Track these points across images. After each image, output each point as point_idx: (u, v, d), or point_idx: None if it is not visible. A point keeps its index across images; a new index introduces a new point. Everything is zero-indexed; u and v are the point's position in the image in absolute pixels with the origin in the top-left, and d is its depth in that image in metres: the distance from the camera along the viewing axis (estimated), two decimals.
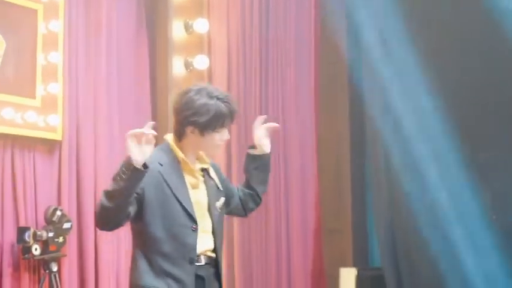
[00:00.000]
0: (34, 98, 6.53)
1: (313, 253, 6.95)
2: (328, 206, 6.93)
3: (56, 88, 6.64)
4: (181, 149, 3.86)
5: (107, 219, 3.65)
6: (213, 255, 3.88)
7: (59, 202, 6.56)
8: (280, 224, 7.03)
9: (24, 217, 6.32)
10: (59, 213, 6.39)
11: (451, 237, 6.02)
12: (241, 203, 4.23)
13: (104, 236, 6.73)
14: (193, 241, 3.77)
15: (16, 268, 6.28)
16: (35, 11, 6.60)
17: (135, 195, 3.65)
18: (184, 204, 3.77)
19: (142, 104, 7.40)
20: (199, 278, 3.80)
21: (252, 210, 4.30)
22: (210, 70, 7.56)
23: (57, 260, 6.37)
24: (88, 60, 6.96)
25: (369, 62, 6.53)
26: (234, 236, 7.19)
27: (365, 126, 6.79)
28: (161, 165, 3.77)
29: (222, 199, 3.97)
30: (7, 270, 6.22)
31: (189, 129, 3.83)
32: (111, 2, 7.17)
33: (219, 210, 3.94)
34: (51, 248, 6.35)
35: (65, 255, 6.46)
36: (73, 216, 6.58)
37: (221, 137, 3.87)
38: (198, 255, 3.80)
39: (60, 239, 6.37)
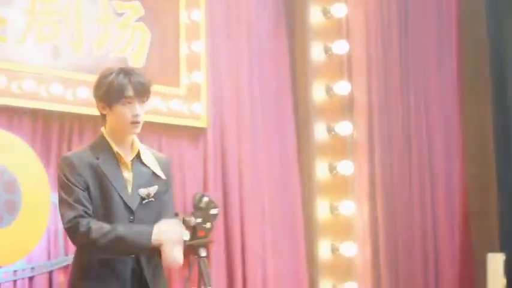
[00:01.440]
0: (178, 86, 6.63)
1: (460, 238, 6.83)
2: (474, 190, 6.81)
3: (200, 77, 6.74)
4: (113, 139, 3.81)
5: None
6: None
7: (205, 188, 6.65)
8: (426, 209, 6.94)
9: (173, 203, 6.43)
10: (206, 199, 6.48)
11: None
12: None
13: (251, 221, 6.82)
14: None
15: None
16: (177, 1, 6.70)
17: (86, 192, 3.69)
18: (122, 195, 3.73)
19: (283, 90, 7.42)
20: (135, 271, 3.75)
21: None
22: (349, 54, 7.51)
23: (206, 246, 6.47)
24: (229, 49, 7.03)
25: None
26: (379, 222, 7.13)
27: (509, 108, 6.64)
28: (97, 159, 3.75)
29: (155, 187, 3.81)
30: None
31: (100, 107, 3.83)
32: None
33: (146, 198, 3.78)
34: (200, 233, 6.45)
35: (213, 241, 6.56)
36: (219, 201, 6.66)
37: (131, 111, 3.76)
38: None
39: (208, 225, 6.45)
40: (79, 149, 3.94)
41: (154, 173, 3.85)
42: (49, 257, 5.83)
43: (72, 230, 3.67)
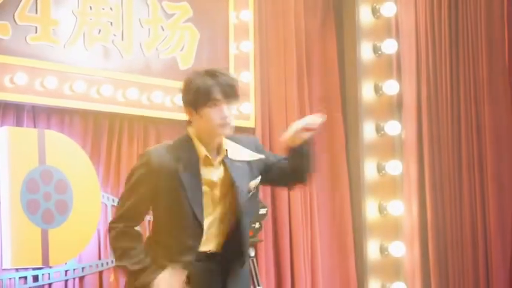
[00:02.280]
0: None
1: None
2: None
3: (248, 77, 6.76)
4: (201, 140, 3.65)
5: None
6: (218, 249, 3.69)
7: None
8: (476, 208, 6.85)
9: None
10: None
11: None
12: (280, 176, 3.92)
13: (299, 220, 6.82)
14: (195, 244, 3.61)
15: None
16: (226, 1, 6.74)
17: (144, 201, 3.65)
18: (194, 208, 3.59)
19: (332, 90, 7.41)
20: (207, 271, 3.67)
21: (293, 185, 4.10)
22: (398, 54, 7.46)
23: (254, 245, 6.48)
24: (278, 48, 7.04)
25: None
26: (428, 222, 7.06)
27: None
28: (178, 161, 3.63)
29: (258, 179, 3.75)
30: None
31: (187, 112, 3.67)
32: None
33: (252, 191, 3.72)
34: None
35: (262, 240, 6.56)
36: (267, 201, 6.67)
37: (219, 114, 3.60)
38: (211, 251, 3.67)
39: (257, 225, 6.44)
40: (163, 146, 3.76)
41: (248, 163, 3.74)
42: (99, 257, 5.89)
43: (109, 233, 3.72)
